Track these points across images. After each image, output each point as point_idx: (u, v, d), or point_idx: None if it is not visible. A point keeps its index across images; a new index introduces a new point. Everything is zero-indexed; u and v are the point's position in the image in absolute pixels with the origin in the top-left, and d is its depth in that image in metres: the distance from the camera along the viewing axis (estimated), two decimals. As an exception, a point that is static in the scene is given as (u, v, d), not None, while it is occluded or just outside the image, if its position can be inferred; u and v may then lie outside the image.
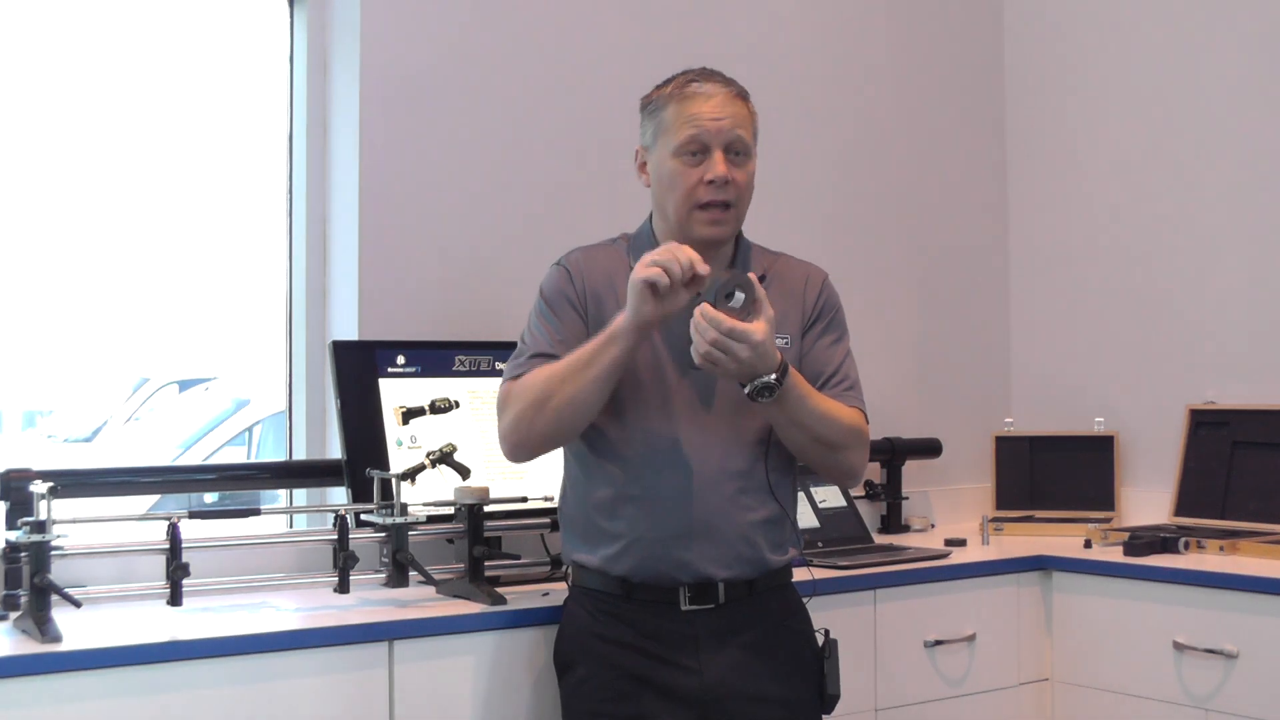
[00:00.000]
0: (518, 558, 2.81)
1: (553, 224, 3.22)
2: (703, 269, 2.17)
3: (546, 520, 2.77)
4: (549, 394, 2.24)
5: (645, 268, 2.16)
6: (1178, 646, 2.97)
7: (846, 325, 2.47)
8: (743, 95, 2.36)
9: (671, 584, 2.31)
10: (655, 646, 2.31)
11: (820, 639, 2.42)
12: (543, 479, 2.78)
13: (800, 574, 2.47)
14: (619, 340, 2.20)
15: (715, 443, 2.31)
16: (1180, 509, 3.52)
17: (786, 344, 2.36)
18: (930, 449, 3.80)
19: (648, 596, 2.32)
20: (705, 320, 2.13)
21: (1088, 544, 3.34)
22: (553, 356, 2.30)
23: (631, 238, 2.43)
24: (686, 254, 2.16)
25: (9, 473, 2.48)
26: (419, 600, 2.58)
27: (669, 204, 2.33)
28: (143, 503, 3.04)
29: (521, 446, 2.32)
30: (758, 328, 2.14)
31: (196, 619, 2.39)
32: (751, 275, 2.20)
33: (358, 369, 2.82)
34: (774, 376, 2.17)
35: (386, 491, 2.62)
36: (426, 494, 2.67)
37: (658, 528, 2.30)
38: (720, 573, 2.31)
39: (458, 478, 2.67)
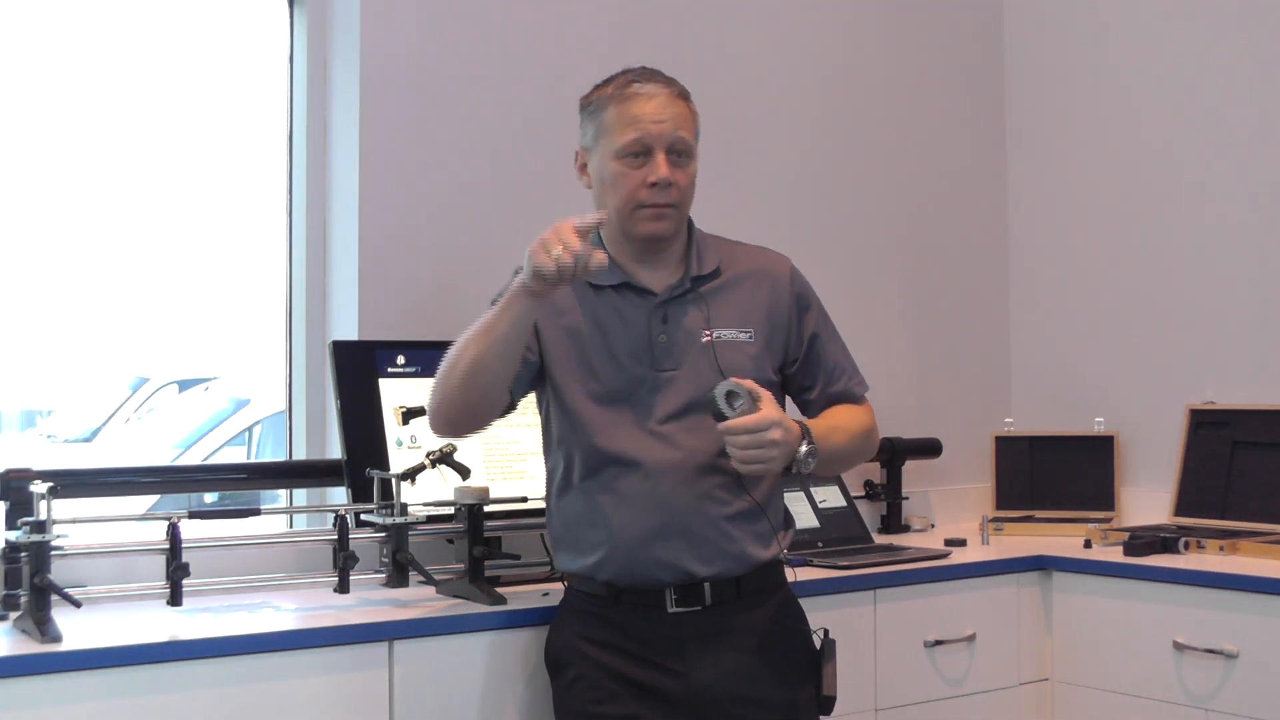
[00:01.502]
0: (518, 558, 2.81)
1: (553, 224, 3.21)
2: (579, 247, 2.11)
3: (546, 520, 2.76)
4: (457, 358, 2.24)
5: (538, 254, 2.12)
6: (1178, 646, 2.97)
7: (821, 303, 2.49)
8: (684, 95, 2.35)
9: (656, 585, 2.31)
10: (643, 650, 2.31)
11: (818, 640, 2.42)
12: (543, 480, 2.77)
13: (785, 574, 2.46)
14: (513, 304, 2.20)
15: (684, 441, 2.30)
16: (1180, 509, 3.52)
17: (750, 338, 2.38)
18: (930, 449, 3.80)
19: (634, 600, 2.32)
20: (728, 435, 2.19)
21: (1088, 544, 3.34)
22: None
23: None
24: (564, 238, 2.12)
25: (9, 473, 2.47)
26: (419, 600, 2.58)
27: (611, 205, 2.33)
28: (143, 503, 3.04)
29: (436, 414, 2.30)
30: (767, 409, 2.20)
31: (196, 619, 2.39)
32: (734, 380, 2.22)
33: (358, 369, 2.82)
34: (805, 442, 2.24)
35: (386, 491, 2.62)
36: (426, 494, 2.67)
37: (635, 530, 2.29)
38: (702, 569, 2.30)
39: (458, 478, 2.67)
